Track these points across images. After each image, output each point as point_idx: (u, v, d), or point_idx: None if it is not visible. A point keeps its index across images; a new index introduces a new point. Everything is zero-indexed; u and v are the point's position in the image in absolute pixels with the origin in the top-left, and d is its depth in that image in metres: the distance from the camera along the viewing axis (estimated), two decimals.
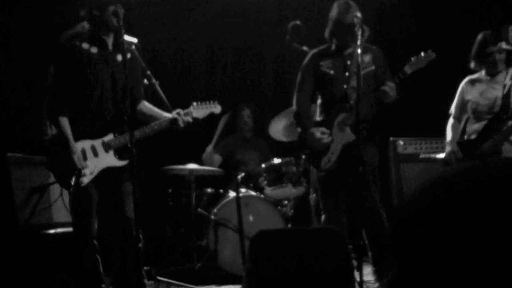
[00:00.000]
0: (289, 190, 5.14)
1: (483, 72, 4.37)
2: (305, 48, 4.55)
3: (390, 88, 3.86)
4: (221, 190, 5.26)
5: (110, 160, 3.63)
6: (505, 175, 0.82)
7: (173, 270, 4.74)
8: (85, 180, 3.55)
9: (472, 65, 4.39)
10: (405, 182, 5.30)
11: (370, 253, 4.06)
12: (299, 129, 4.20)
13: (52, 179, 4.33)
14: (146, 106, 3.84)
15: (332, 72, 4.07)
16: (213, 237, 4.90)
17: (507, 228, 0.78)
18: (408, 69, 3.90)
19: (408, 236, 0.84)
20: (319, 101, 4.21)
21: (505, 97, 4.20)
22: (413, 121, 5.57)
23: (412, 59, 3.91)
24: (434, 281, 0.80)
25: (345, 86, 4.04)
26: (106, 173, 3.61)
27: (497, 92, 4.25)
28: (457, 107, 4.47)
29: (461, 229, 0.80)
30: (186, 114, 3.75)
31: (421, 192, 0.86)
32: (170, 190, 5.37)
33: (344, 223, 4.04)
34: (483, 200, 0.80)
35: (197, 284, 4.39)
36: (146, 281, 3.77)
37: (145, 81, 3.85)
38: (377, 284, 4.04)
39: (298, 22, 4.84)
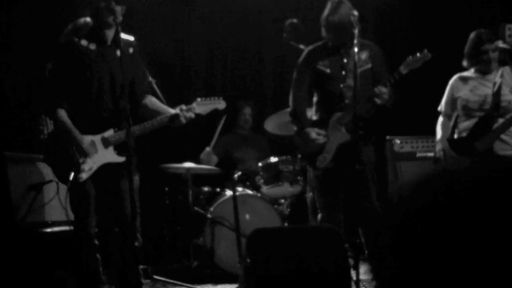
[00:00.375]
0: (285, 189, 5.14)
1: (472, 70, 4.35)
2: (302, 46, 4.54)
3: (380, 92, 3.85)
4: (218, 189, 5.26)
5: (109, 156, 3.62)
6: (504, 174, 0.82)
7: (170, 268, 4.74)
8: (84, 176, 3.54)
9: (464, 63, 4.36)
10: (402, 180, 5.30)
11: (366, 252, 4.07)
12: (295, 128, 4.19)
13: (48, 177, 4.33)
14: (151, 101, 3.82)
15: (328, 70, 4.06)
16: (209, 235, 4.89)
17: (507, 227, 0.78)
18: (403, 70, 3.88)
19: (408, 235, 0.84)
20: (314, 98, 4.20)
21: (496, 94, 4.19)
22: (410, 119, 5.56)
23: (408, 59, 3.91)
24: (433, 280, 0.81)
25: (341, 85, 4.03)
26: (105, 169, 3.60)
27: (488, 90, 4.24)
28: (447, 104, 4.45)
29: (460, 228, 0.80)
30: (188, 110, 3.72)
31: (420, 191, 0.86)
32: (167, 189, 5.38)
33: (341, 222, 4.03)
34: (483, 199, 0.80)
35: (193, 283, 4.38)
36: (143, 280, 3.76)
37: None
38: (373, 283, 4.05)
39: (295, 20, 4.84)
